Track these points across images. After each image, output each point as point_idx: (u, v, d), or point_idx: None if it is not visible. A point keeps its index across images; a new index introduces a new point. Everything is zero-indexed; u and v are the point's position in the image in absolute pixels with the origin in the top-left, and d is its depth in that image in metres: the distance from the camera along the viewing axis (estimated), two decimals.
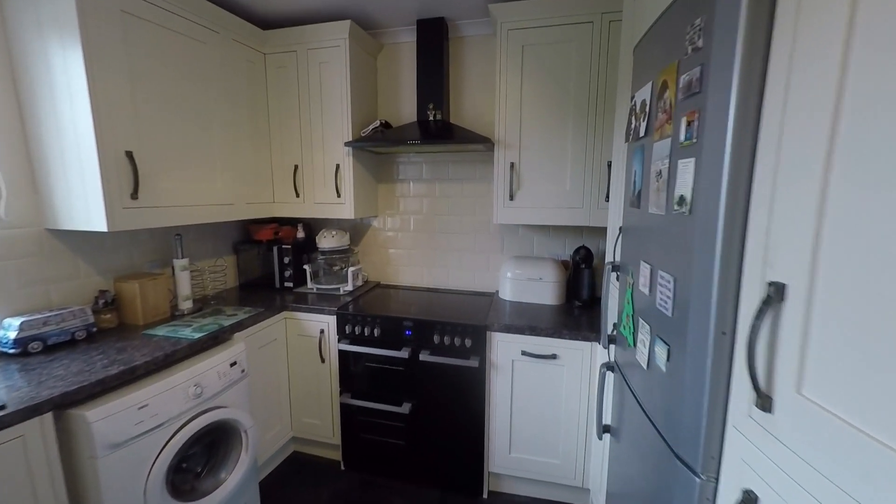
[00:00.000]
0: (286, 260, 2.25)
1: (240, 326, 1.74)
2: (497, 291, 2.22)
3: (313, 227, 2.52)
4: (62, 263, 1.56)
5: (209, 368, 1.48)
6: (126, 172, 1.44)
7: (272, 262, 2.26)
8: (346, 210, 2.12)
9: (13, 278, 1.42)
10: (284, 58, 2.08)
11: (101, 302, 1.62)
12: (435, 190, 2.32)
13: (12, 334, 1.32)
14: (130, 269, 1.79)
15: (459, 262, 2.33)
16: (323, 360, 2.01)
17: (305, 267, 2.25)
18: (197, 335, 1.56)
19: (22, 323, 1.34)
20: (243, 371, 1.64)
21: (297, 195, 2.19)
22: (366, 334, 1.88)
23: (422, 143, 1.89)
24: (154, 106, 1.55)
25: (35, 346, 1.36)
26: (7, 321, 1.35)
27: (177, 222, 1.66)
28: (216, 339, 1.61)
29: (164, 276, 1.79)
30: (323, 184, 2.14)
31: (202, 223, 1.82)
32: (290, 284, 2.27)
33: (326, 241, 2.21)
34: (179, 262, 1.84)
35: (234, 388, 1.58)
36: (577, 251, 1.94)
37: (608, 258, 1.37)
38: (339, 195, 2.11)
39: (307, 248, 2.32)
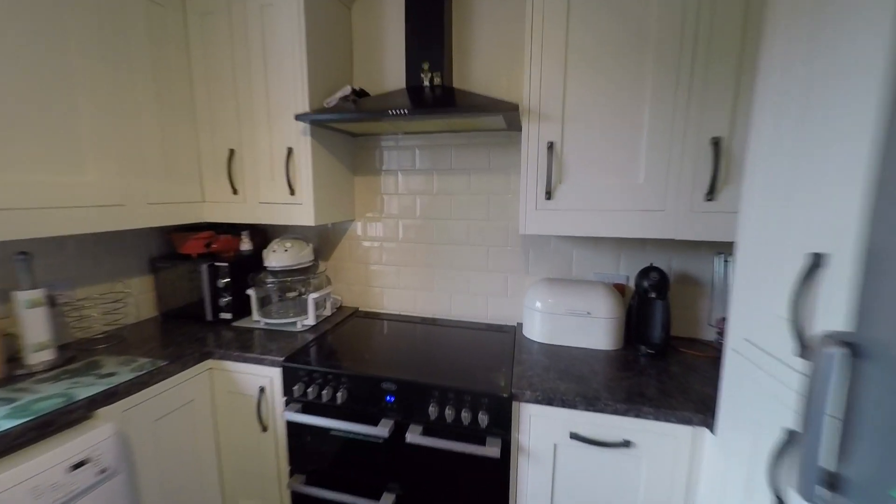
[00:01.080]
0: (221, 283, 1.54)
1: (110, 396, 1.04)
2: (520, 325, 1.55)
3: (270, 234, 1.81)
4: None
5: (15, 484, 0.78)
6: None
7: (202, 286, 1.55)
8: (303, 213, 1.42)
9: None
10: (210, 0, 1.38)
11: None
12: (432, 184, 1.64)
13: None
14: None
15: (466, 284, 1.65)
16: (265, 429, 1.31)
17: (249, 292, 1.54)
18: (9, 424, 0.85)
19: None
20: (104, 471, 0.95)
21: (235, 191, 1.48)
22: (324, 399, 1.20)
23: (411, 115, 1.21)
24: None
25: None
26: None
27: (2, 236, 0.95)
28: (51, 426, 0.91)
29: None
30: (270, 175, 1.44)
31: (76, 234, 1.12)
32: (229, 316, 1.56)
33: (277, 256, 1.50)
34: (25, 296, 1.12)
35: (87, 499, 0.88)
36: (644, 273, 1.28)
37: (787, 313, 0.70)
38: (292, 191, 1.41)
39: (256, 264, 1.61)
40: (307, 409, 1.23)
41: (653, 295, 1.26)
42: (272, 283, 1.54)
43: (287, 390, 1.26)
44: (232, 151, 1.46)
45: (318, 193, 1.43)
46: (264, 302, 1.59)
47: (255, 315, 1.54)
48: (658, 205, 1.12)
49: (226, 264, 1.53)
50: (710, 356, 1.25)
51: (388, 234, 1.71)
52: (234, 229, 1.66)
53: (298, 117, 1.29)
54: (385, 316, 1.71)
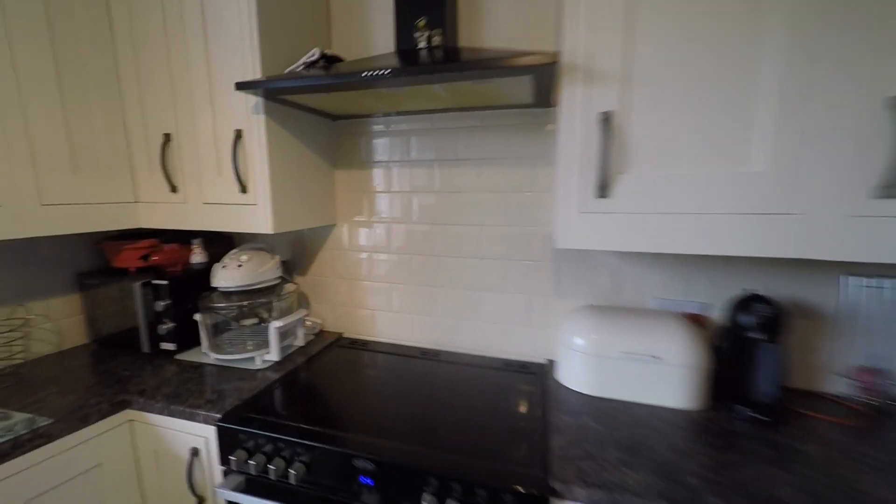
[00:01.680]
0: (160, 305, 1.16)
1: None
2: (550, 364, 1.15)
3: (236, 242, 1.44)
4: None
5: None
6: None
7: (136, 309, 1.17)
8: (258, 217, 1.04)
9: None
10: None
11: None
12: (434, 179, 1.24)
13: None
14: None
15: (477, 309, 1.25)
16: (201, 502, 0.94)
17: (197, 318, 1.17)
18: None
19: None
20: None
21: (174, 189, 1.10)
22: (272, 476, 0.83)
23: (397, 77, 0.82)
24: None
25: None
26: None
27: None
28: None
29: None
30: (215, 168, 1.06)
31: None
32: (172, 347, 1.19)
33: (227, 274, 1.12)
34: None
35: None
36: (744, 305, 0.87)
37: None
38: (243, 188, 1.02)
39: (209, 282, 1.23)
40: (251, 486, 0.86)
41: (758, 335, 0.84)
42: (223, 307, 1.15)
43: (224, 458, 0.88)
44: (167, 137, 1.08)
45: (279, 191, 1.05)
46: (217, 330, 1.21)
47: (204, 346, 1.17)
48: (792, 204, 0.70)
49: (165, 282, 1.16)
50: (851, 423, 0.83)
51: (379, 242, 1.32)
52: (185, 237, 1.29)
53: (241, 86, 0.90)
54: (375, 346, 1.32)
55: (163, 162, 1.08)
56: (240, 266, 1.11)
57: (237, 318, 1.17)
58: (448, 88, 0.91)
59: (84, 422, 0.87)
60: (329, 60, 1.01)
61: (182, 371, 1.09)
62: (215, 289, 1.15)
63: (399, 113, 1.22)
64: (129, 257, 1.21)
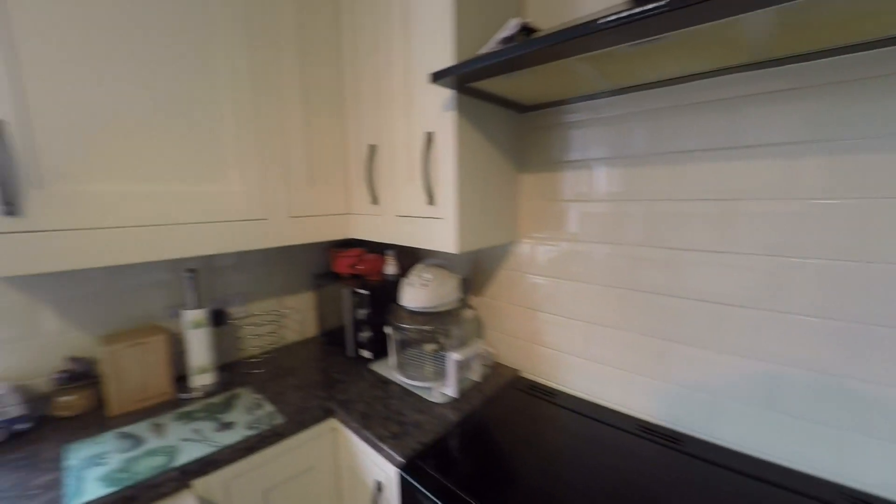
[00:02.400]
0: (361, 314, 1.20)
1: (208, 466, 0.78)
2: None
3: (419, 255, 1.41)
4: (12, 311, 0.91)
5: None
6: None
7: (344, 315, 1.26)
8: (444, 232, 0.89)
9: None
10: None
11: (65, 376, 0.93)
12: (679, 179, 0.81)
13: None
14: (131, 320, 1.08)
15: (770, 388, 0.73)
16: None
17: (387, 332, 1.15)
18: (95, 494, 0.65)
19: None
20: None
21: (374, 200, 1.10)
22: None
23: (649, 18, 0.45)
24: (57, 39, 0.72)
25: None
26: None
27: (127, 259, 0.81)
28: (133, 501, 0.68)
29: (160, 337, 1.00)
30: (408, 176, 0.98)
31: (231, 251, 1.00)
32: (369, 355, 1.22)
33: (412, 294, 1.03)
34: (189, 316, 1.03)
35: None
36: None
37: None
38: (431, 199, 0.89)
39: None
40: None
41: None
42: (408, 327, 1.08)
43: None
44: (372, 148, 1.08)
45: (465, 202, 0.87)
46: (404, 345, 1.16)
47: (391, 363, 1.13)
48: None
49: (367, 292, 1.19)
50: None
51: (574, 267, 0.98)
52: (383, 247, 1.32)
53: (437, 76, 0.75)
54: (564, 399, 0.99)
55: (367, 173, 1.09)
56: (425, 286, 1.00)
57: (419, 342, 1.08)
58: (792, 18, 0.49)
59: (303, 425, 0.92)
60: (529, 32, 0.75)
61: (373, 385, 1.07)
62: (402, 306, 1.09)
63: (613, 92, 0.84)
64: (342, 264, 1.32)
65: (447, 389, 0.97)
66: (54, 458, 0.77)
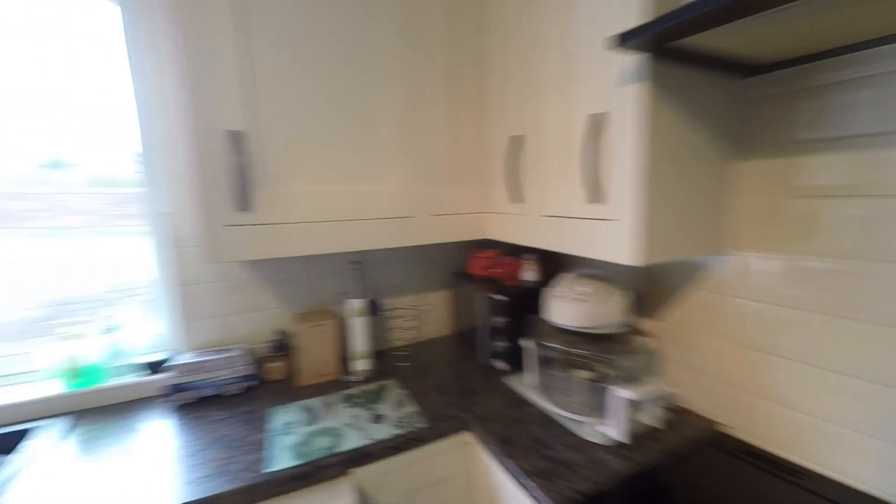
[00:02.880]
0: (497, 321, 1.10)
1: (365, 457, 0.80)
2: None
3: (562, 261, 1.22)
4: (243, 287, 1.12)
5: None
6: (228, 168, 0.79)
7: (479, 318, 1.18)
8: (616, 237, 0.68)
9: (201, 301, 1.08)
10: None
11: (274, 344, 1.11)
12: None
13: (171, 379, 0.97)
14: (315, 302, 1.22)
15: None
16: None
17: (524, 344, 1.01)
18: (285, 464, 0.72)
19: (181, 365, 0.96)
20: None
21: (516, 198, 0.97)
22: None
23: None
24: (279, 56, 0.82)
25: (186, 396, 0.98)
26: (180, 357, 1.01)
27: (310, 250, 0.89)
28: (307, 478, 0.75)
29: (332, 321, 1.10)
30: (558, 170, 0.80)
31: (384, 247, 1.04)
32: (504, 366, 1.11)
33: (561, 307, 0.86)
34: (353, 304, 1.11)
35: None
36: None
37: None
38: (594, 197, 0.70)
39: (539, 301, 1.06)
40: None
41: None
42: (555, 347, 0.91)
43: None
44: (515, 140, 0.94)
45: (654, 200, 0.65)
46: (546, 363, 1.01)
47: (530, 381, 1.00)
48: None
49: (504, 298, 1.07)
50: None
51: (832, 296, 0.64)
52: (519, 249, 1.18)
53: (626, 37, 0.55)
54: (805, 479, 0.67)
55: (509, 168, 0.96)
56: (580, 301, 0.82)
57: (568, 365, 0.91)
58: None
59: (441, 434, 0.88)
60: None
61: (510, 404, 0.95)
62: (542, 319, 0.93)
63: None
64: (476, 265, 1.24)
65: (610, 430, 0.78)
66: (262, 419, 0.90)
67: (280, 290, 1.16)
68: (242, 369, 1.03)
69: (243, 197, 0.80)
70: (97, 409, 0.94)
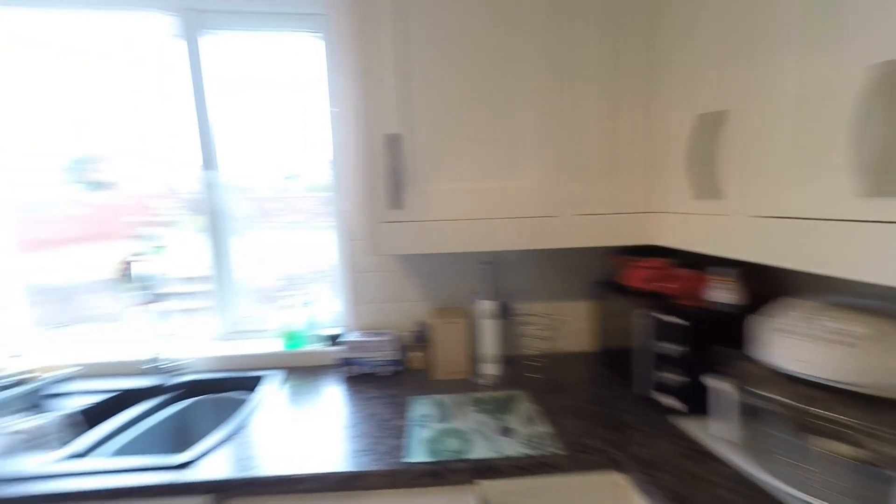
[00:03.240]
0: (665, 348, 0.88)
1: (490, 471, 0.76)
2: None
3: (779, 283, 0.88)
4: (394, 278, 1.24)
5: None
6: (384, 169, 0.89)
7: (637, 339, 0.97)
8: None
9: (366, 287, 1.24)
10: None
11: (416, 334, 1.20)
12: None
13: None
14: (449, 299, 1.26)
15: None
16: None
17: (711, 385, 0.76)
18: (418, 458, 0.76)
19: (350, 342, 1.13)
20: None
21: (707, 193, 0.74)
22: None
23: None
24: (431, 57, 0.87)
25: (352, 370, 1.14)
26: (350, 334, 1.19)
27: (449, 248, 0.92)
28: (435, 477, 0.75)
29: (464, 321, 1.12)
30: (798, 150, 0.55)
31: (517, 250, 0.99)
32: (675, 404, 0.88)
33: (801, 348, 0.59)
34: (483, 306, 1.10)
35: None
36: None
37: None
38: (881, 183, 0.44)
39: (738, 332, 0.78)
40: None
41: None
42: (778, 400, 0.64)
43: None
44: (709, 118, 0.71)
45: None
46: (758, 416, 0.73)
47: (723, 432, 0.74)
48: None
49: (681, 321, 0.84)
50: None
51: None
52: (700, 260, 0.91)
53: None
54: None
55: (696, 154, 0.74)
56: (843, 344, 0.55)
57: (804, 429, 0.62)
58: None
59: (582, 466, 0.76)
60: None
61: (686, 454, 0.74)
62: (750, 358, 0.67)
63: None
64: (635, 276, 1.03)
65: None
66: (403, 405, 0.97)
67: (421, 284, 1.24)
68: (391, 354, 1.13)
69: (395, 195, 0.86)
70: (298, 369, 1.20)
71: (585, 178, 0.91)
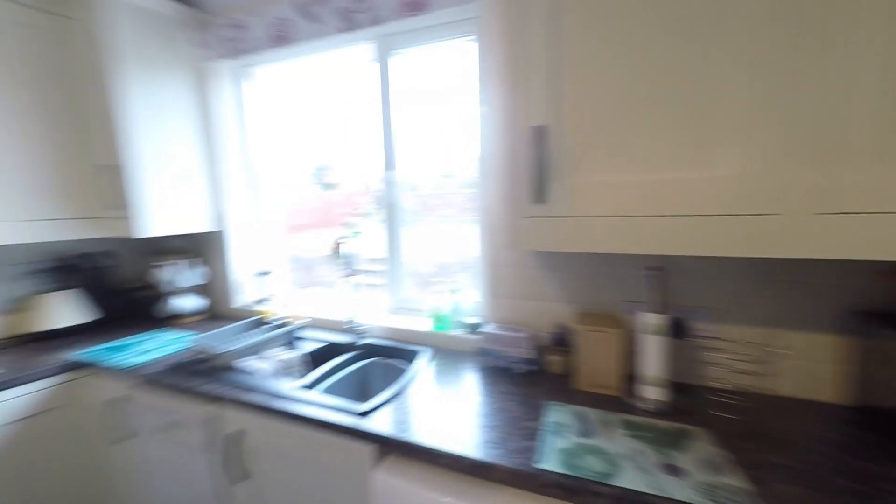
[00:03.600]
0: None
1: None
2: None
3: None
4: (532, 275, 1.17)
5: None
6: (529, 162, 0.84)
7: None
8: None
9: (504, 281, 1.21)
10: None
11: (554, 337, 1.11)
12: None
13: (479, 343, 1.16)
14: (596, 304, 1.10)
15: None
16: None
17: None
18: (560, 468, 0.70)
19: (487, 334, 1.14)
20: None
21: None
22: None
23: None
24: (586, 37, 0.76)
25: (488, 361, 1.15)
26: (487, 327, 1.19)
27: (600, 248, 0.79)
28: (573, 494, 0.67)
29: (617, 331, 0.96)
30: None
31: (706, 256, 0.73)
32: None
33: None
34: (649, 319, 0.91)
35: None
36: None
37: None
38: None
39: None
40: None
41: None
42: None
43: None
44: None
45: None
46: None
47: None
48: None
49: None
50: None
51: None
52: None
53: None
54: None
55: None
56: None
57: None
58: None
59: None
60: None
61: None
62: None
63: None
64: None
65: None
66: (538, 407, 0.90)
67: (562, 284, 1.12)
68: (526, 352, 1.07)
69: (539, 190, 0.79)
70: (442, 350, 1.28)
71: (831, 158, 0.60)
